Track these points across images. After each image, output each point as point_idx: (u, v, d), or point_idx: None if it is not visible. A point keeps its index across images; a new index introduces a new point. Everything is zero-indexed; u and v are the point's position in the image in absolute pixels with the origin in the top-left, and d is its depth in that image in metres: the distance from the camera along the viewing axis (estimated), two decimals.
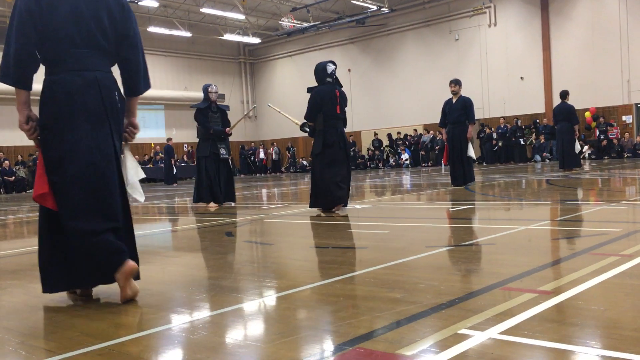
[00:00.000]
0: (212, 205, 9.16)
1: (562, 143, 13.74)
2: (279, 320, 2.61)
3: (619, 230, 4.52)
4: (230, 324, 2.59)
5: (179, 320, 2.67)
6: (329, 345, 2.20)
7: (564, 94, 13.91)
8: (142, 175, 3.35)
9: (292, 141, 30.68)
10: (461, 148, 10.31)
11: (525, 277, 3.12)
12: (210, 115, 9.17)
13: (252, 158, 30.21)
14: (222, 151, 9.20)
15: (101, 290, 3.34)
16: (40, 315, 2.97)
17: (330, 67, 7.29)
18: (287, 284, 3.31)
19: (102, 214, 3.03)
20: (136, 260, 3.17)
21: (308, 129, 7.41)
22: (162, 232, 6.75)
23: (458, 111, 10.43)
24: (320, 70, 7.33)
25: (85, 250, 3.03)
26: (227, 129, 9.36)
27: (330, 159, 7.15)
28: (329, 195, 7.12)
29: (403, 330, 2.31)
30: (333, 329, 2.41)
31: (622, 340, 2.04)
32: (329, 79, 7.27)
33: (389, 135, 27.22)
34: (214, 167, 9.11)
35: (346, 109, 7.44)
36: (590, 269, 3.13)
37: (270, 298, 3.00)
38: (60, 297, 3.25)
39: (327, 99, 7.18)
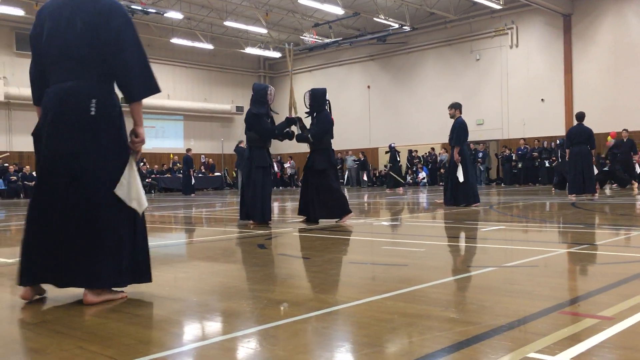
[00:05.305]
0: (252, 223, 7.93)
1: (582, 166, 12.65)
2: (336, 336, 2.57)
3: None
4: (287, 338, 2.56)
5: (231, 333, 2.64)
6: None
7: (582, 116, 12.92)
8: (139, 190, 3.31)
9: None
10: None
11: (580, 301, 3.07)
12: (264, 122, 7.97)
13: None
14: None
15: (150, 298, 3.32)
16: (93, 321, 2.96)
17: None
18: (335, 299, 3.27)
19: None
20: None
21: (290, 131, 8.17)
22: (192, 243, 6.74)
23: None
24: (322, 96, 8.11)
25: None
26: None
27: (334, 174, 8.15)
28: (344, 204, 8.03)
29: (469, 351, 2.27)
30: (395, 347, 2.38)
31: None
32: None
33: (410, 152, 26.87)
34: (268, 180, 8.01)
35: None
36: None
37: (321, 312, 2.95)
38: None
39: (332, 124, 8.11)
